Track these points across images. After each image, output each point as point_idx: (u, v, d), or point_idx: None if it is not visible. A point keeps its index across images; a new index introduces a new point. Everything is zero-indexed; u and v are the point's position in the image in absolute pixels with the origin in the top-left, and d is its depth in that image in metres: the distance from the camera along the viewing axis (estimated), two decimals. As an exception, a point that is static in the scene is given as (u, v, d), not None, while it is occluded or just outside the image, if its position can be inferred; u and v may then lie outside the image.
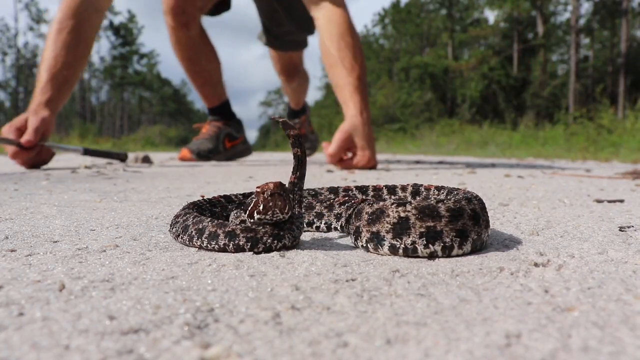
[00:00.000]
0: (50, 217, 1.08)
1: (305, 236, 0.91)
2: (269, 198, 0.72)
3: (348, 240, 0.86)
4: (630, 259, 0.70)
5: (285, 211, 0.73)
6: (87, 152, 3.50)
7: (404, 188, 1.00)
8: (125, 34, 46.44)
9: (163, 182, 1.99)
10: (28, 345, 0.40)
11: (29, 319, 0.46)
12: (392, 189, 1.02)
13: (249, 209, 0.75)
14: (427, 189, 0.97)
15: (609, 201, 1.42)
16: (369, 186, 1.04)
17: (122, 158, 3.73)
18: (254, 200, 0.74)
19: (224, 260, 0.69)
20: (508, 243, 0.81)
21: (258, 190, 0.72)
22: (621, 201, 1.42)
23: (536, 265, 0.66)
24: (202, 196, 1.00)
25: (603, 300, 0.52)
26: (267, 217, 0.73)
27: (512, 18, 29.22)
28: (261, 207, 0.72)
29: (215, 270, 0.64)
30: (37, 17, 38.19)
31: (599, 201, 1.42)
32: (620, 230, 0.94)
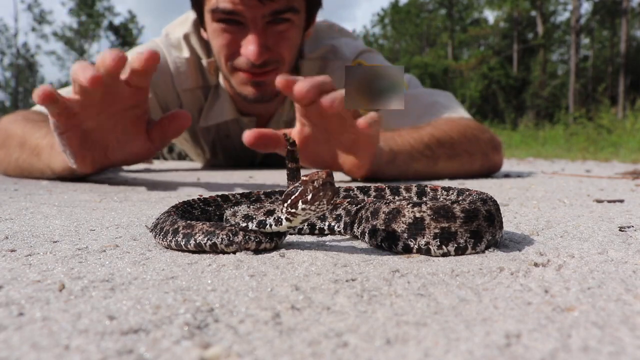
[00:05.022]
0: (50, 217, 1.08)
1: (306, 236, 0.91)
2: (320, 187, 0.67)
3: (348, 241, 0.86)
4: (630, 259, 0.70)
5: (332, 202, 0.69)
6: None
7: (407, 189, 0.99)
8: (125, 34, 46.43)
9: (163, 182, 1.99)
10: (28, 345, 0.40)
11: (29, 319, 0.46)
12: (395, 190, 1.00)
13: (292, 198, 0.70)
14: (434, 189, 0.96)
15: (609, 201, 1.42)
16: (370, 186, 1.03)
17: None
18: (300, 189, 0.69)
19: (224, 260, 0.69)
20: (508, 243, 0.81)
21: (306, 179, 0.68)
22: (621, 201, 1.42)
23: (536, 265, 0.66)
24: (200, 195, 1.00)
25: (603, 300, 0.52)
26: (312, 208, 0.69)
27: (512, 18, 29.20)
28: (309, 197, 0.68)
29: (215, 270, 0.64)
30: (40, 18, 38.18)
31: (599, 201, 1.42)
32: (620, 230, 0.94)
